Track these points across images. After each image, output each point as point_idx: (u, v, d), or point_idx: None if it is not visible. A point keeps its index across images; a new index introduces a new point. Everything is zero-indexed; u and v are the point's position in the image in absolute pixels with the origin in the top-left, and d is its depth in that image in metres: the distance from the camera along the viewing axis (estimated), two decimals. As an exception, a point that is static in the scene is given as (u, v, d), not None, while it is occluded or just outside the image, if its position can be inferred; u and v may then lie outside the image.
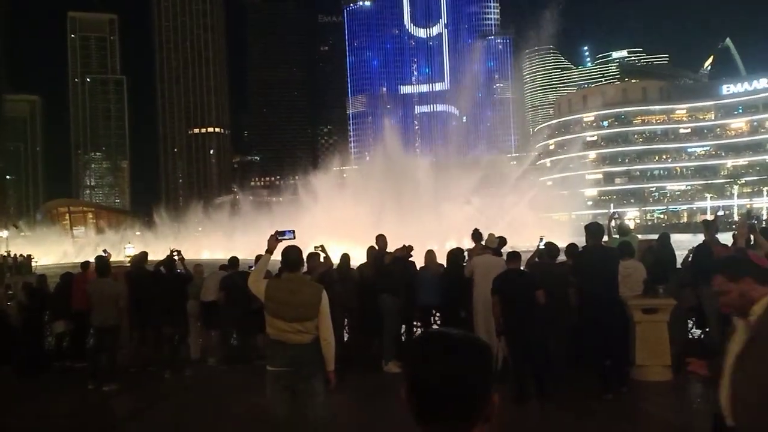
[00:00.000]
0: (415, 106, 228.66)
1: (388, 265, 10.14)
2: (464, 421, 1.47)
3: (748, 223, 7.19)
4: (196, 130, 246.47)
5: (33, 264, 58.56)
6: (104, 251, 11.83)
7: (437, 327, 10.34)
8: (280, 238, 5.64)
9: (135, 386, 9.76)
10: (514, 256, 8.43)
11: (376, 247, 10.56)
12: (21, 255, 58.18)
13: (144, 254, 11.90)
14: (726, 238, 9.63)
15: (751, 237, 9.18)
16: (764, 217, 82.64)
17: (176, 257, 10.92)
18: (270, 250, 5.64)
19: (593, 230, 8.05)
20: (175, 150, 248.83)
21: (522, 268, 8.63)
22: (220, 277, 11.28)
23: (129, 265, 12.64)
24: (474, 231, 10.32)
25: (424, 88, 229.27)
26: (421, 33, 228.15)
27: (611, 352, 7.79)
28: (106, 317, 9.47)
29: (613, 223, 11.24)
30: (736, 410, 2.99)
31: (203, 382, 10.08)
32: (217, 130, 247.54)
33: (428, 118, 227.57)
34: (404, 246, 10.62)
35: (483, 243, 10.04)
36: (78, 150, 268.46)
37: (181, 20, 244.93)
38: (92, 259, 11.38)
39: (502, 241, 10.05)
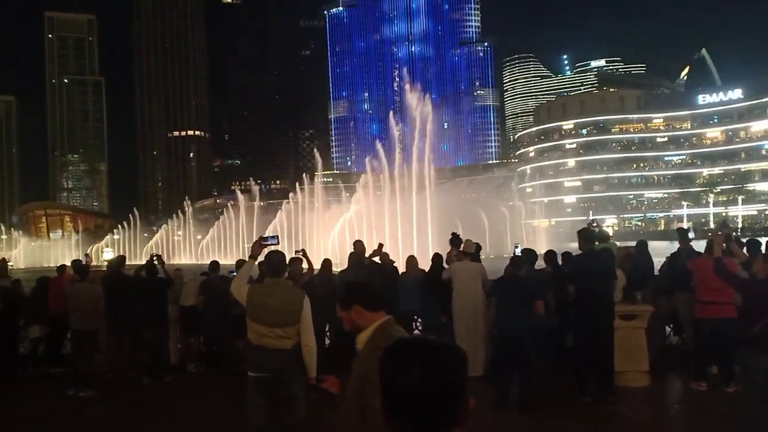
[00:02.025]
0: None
1: (366, 267, 10.13)
2: (443, 426, 1.46)
3: (725, 232, 7.31)
4: (176, 133, 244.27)
5: (9, 267, 57.58)
6: (86, 255, 11.70)
7: (418, 333, 10.37)
8: (264, 243, 5.61)
9: (113, 392, 9.62)
10: (518, 261, 8.45)
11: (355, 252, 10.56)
12: (-5, 258, 57.08)
13: (122, 258, 11.79)
14: (701, 245, 9.80)
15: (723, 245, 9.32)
16: (739, 226, 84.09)
17: (156, 262, 10.82)
18: (254, 256, 5.60)
19: (586, 235, 8.15)
20: (155, 153, 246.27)
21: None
22: (200, 282, 11.20)
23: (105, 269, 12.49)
24: (453, 235, 10.29)
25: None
26: (403, 39, 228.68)
27: (600, 356, 7.80)
28: (85, 321, 9.35)
29: (591, 231, 11.36)
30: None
31: (182, 388, 9.97)
32: (197, 133, 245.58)
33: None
34: (380, 245, 10.67)
35: (461, 249, 10.04)
36: (55, 152, 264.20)
37: (161, 22, 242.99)
38: (69, 263, 11.23)
39: (478, 247, 10.08)
